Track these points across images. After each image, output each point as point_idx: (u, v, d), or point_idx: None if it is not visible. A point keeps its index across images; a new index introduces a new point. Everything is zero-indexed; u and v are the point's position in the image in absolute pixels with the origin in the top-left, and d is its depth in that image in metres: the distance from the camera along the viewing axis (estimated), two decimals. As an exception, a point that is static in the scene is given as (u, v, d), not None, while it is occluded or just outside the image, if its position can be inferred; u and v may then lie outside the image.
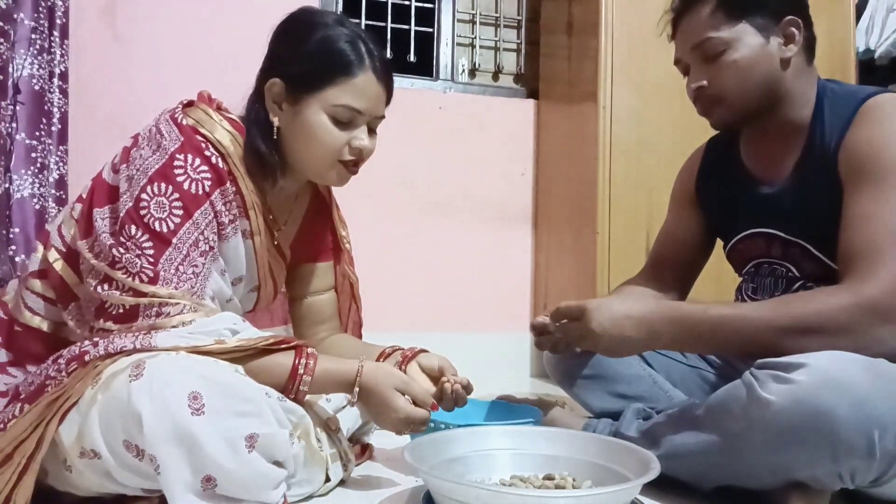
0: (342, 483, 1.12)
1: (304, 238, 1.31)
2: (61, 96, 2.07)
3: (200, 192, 1.04)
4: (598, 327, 1.08)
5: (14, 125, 1.93)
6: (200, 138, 1.07)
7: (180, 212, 1.02)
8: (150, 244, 1.00)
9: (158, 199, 1.01)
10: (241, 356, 1.01)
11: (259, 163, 1.12)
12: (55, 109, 2.05)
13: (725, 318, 1.03)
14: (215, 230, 1.07)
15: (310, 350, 1.07)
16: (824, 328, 0.96)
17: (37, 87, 1.99)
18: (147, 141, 1.06)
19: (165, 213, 1.01)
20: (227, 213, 1.09)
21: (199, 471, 0.88)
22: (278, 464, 0.96)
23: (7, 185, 1.91)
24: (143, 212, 1.01)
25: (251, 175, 1.12)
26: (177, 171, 1.03)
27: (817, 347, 0.93)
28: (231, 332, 1.02)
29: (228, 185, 1.08)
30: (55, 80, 2.05)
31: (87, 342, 0.98)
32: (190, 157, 1.04)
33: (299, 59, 1.12)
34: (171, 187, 1.02)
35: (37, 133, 1.98)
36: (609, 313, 1.09)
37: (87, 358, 0.95)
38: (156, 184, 1.02)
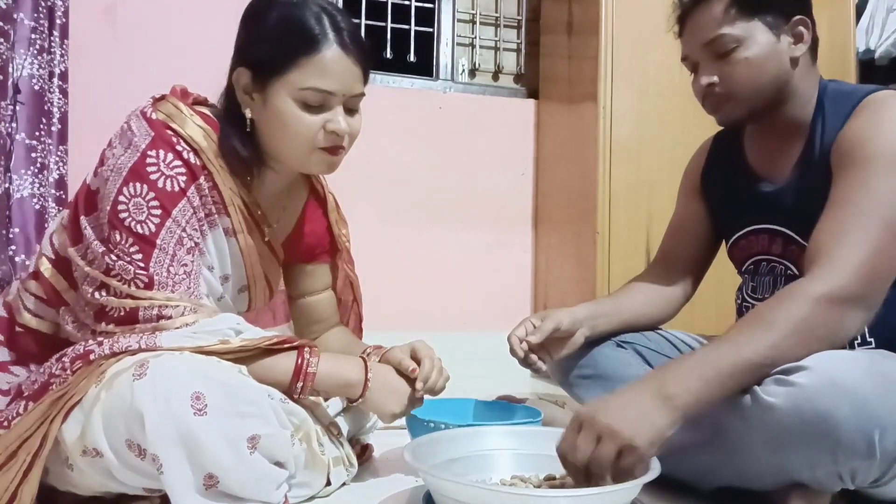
0: (342, 485, 1.12)
1: (300, 236, 1.28)
2: (61, 96, 2.07)
3: (176, 188, 1.02)
4: (619, 423, 0.85)
5: (14, 125, 1.93)
6: (171, 133, 1.03)
7: (159, 211, 1.00)
8: (136, 248, 0.98)
9: (136, 201, 0.99)
10: (245, 356, 1.00)
11: (235, 158, 1.08)
12: (55, 109, 2.04)
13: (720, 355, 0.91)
14: (196, 227, 1.05)
15: (313, 348, 1.07)
16: (801, 335, 0.92)
17: (37, 87, 1.98)
18: (119, 139, 1.04)
19: (144, 215, 0.99)
20: (203, 208, 1.06)
21: (201, 470, 0.88)
22: (279, 464, 0.96)
23: (7, 185, 1.91)
24: (122, 215, 0.99)
25: (230, 171, 1.08)
26: (150, 169, 1.01)
27: (805, 353, 0.92)
28: (234, 333, 1.01)
29: (203, 180, 1.05)
30: (55, 80, 2.05)
31: (91, 341, 0.98)
32: (162, 152, 1.02)
33: (260, 42, 1.05)
34: (146, 186, 1.00)
35: (37, 133, 1.98)
36: (606, 405, 0.89)
37: (91, 356, 0.95)
38: (131, 184, 0.99)
